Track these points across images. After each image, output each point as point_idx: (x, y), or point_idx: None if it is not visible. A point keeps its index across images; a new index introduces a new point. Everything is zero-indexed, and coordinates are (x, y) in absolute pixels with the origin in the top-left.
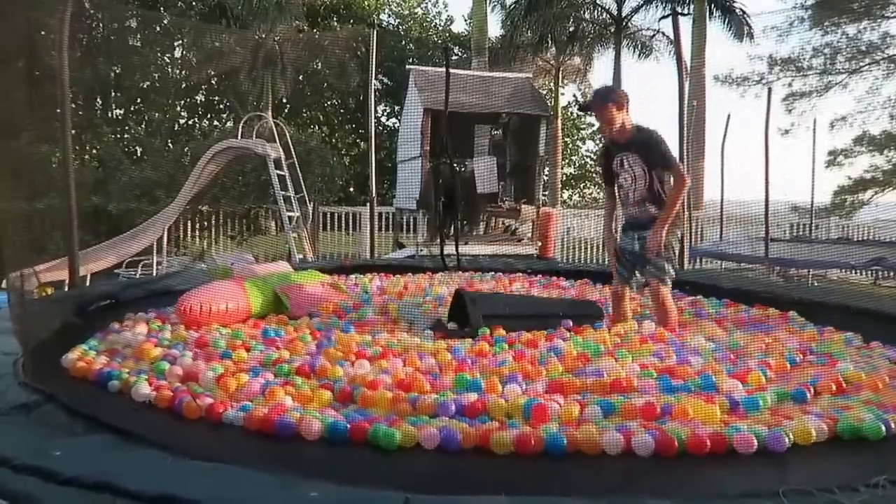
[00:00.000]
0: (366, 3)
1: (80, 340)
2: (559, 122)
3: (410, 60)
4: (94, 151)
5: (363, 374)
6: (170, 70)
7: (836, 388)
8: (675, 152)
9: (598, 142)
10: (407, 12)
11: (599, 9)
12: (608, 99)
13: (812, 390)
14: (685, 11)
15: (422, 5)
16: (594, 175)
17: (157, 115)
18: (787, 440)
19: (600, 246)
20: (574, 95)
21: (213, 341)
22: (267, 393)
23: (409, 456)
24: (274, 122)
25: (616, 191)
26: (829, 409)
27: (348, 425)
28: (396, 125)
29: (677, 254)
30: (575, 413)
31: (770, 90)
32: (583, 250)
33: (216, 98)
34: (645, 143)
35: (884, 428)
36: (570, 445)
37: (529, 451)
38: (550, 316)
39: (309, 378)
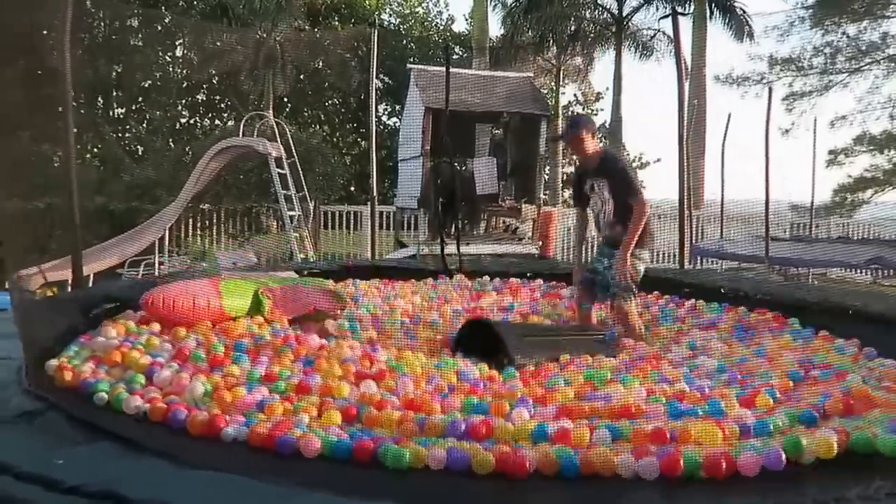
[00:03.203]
0: (367, 2)
1: (69, 344)
2: (560, 121)
3: (411, 60)
4: (96, 151)
5: (371, 394)
6: (171, 69)
7: (844, 407)
8: (639, 177)
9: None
10: (408, 12)
11: (600, 8)
12: (578, 128)
13: (822, 411)
14: (685, 11)
15: (423, 5)
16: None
17: (158, 114)
18: (783, 457)
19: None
20: (574, 95)
21: (192, 353)
22: (267, 409)
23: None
24: (275, 121)
25: (589, 212)
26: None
27: (353, 444)
28: (397, 124)
29: (641, 276)
30: (586, 437)
31: (770, 90)
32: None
33: (217, 97)
34: (612, 171)
35: None
36: (584, 468)
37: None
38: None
39: (309, 394)
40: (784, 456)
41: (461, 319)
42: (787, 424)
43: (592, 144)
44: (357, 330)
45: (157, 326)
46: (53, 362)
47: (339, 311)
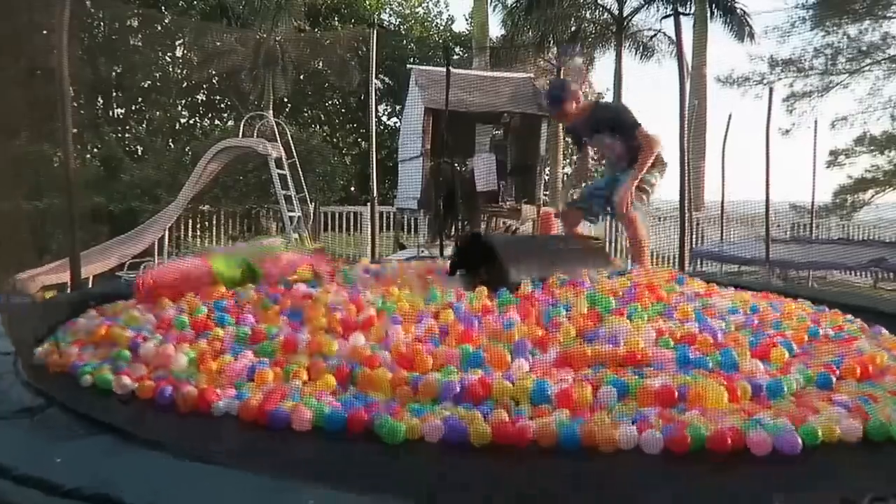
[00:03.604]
0: (367, 2)
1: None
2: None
3: (411, 60)
4: (96, 151)
5: (361, 347)
6: (171, 69)
7: (861, 371)
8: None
9: None
10: (408, 12)
11: (601, 9)
12: (560, 103)
13: (837, 372)
14: (686, 11)
15: (423, 5)
16: (595, 175)
17: (158, 114)
18: (799, 442)
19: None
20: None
21: (175, 319)
22: (256, 377)
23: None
24: (275, 122)
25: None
26: (855, 399)
27: (346, 415)
28: (397, 125)
29: (651, 193)
30: (588, 397)
31: (771, 90)
32: None
33: (217, 97)
34: (606, 119)
35: None
36: (586, 440)
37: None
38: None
39: (296, 353)
40: (800, 442)
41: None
42: (802, 385)
43: (579, 108)
44: (347, 274)
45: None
46: (40, 349)
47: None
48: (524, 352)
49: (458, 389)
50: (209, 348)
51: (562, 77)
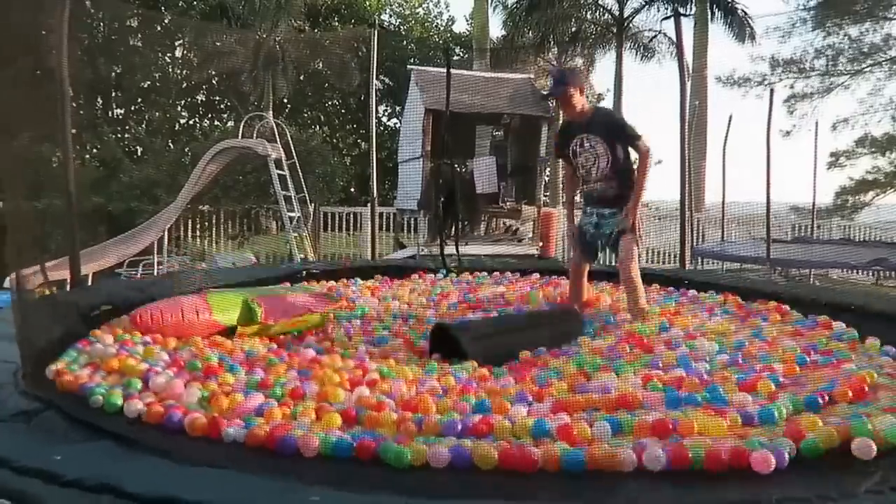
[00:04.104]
0: (367, 3)
1: (67, 348)
2: (560, 122)
3: (412, 61)
4: (95, 151)
5: (366, 397)
6: (170, 70)
7: (854, 394)
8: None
9: None
10: (408, 12)
11: (601, 10)
12: (566, 84)
13: (826, 398)
14: (687, 12)
15: (423, 6)
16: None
17: (157, 114)
18: (787, 455)
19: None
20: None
21: (187, 363)
22: (265, 414)
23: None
24: (275, 122)
25: (576, 170)
26: (846, 419)
27: (354, 443)
28: (398, 125)
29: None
30: (587, 431)
31: (772, 91)
32: None
33: (217, 98)
34: (606, 123)
35: None
36: (589, 463)
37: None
38: (538, 334)
39: (305, 400)
40: (787, 456)
41: (457, 312)
42: (792, 411)
43: (581, 101)
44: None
45: (150, 337)
46: (53, 367)
47: (331, 313)
48: (523, 401)
49: (459, 428)
50: (219, 390)
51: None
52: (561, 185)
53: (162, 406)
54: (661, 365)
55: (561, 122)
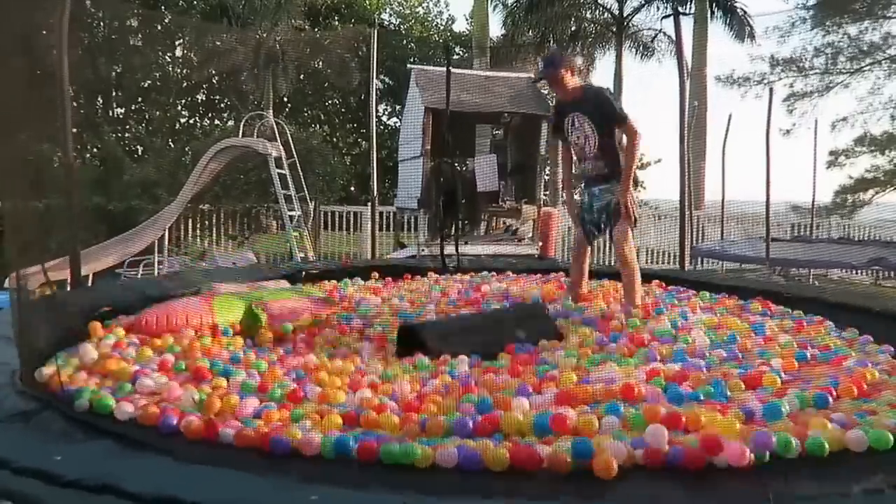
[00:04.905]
0: (367, 2)
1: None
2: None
3: (412, 60)
4: (96, 150)
5: (368, 398)
6: (171, 69)
7: (858, 390)
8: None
9: None
10: (408, 12)
11: (601, 9)
12: (556, 66)
13: (834, 393)
14: (687, 11)
15: (423, 5)
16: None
17: (157, 113)
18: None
19: (603, 245)
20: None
21: (173, 365)
22: (264, 416)
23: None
24: (275, 121)
25: (571, 148)
26: (852, 415)
27: (356, 445)
28: (398, 124)
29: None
30: (595, 424)
31: (771, 90)
32: None
33: (217, 97)
34: (594, 101)
35: None
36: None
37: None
38: (504, 331)
39: (301, 403)
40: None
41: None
42: (798, 407)
43: (572, 81)
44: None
45: (137, 339)
46: (44, 370)
47: (332, 316)
48: (525, 393)
49: (469, 426)
50: (214, 393)
51: None
52: (559, 176)
53: (157, 408)
54: (657, 358)
55: (554, 101)
